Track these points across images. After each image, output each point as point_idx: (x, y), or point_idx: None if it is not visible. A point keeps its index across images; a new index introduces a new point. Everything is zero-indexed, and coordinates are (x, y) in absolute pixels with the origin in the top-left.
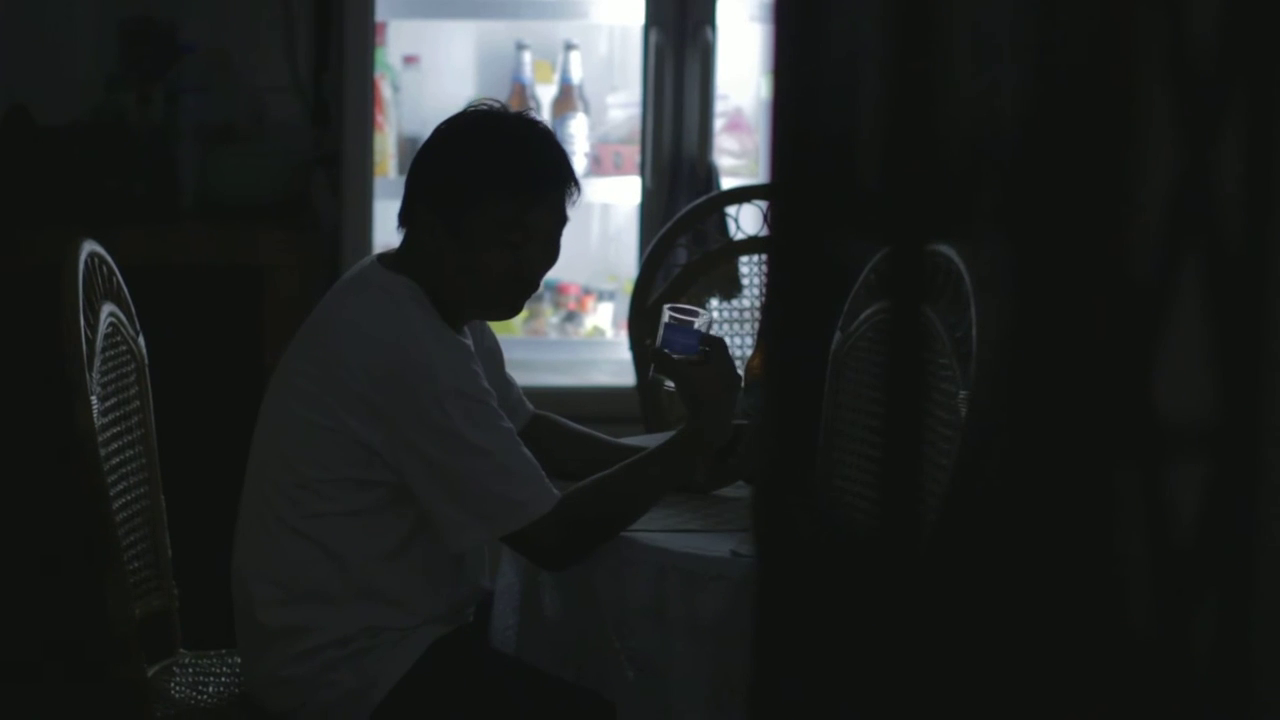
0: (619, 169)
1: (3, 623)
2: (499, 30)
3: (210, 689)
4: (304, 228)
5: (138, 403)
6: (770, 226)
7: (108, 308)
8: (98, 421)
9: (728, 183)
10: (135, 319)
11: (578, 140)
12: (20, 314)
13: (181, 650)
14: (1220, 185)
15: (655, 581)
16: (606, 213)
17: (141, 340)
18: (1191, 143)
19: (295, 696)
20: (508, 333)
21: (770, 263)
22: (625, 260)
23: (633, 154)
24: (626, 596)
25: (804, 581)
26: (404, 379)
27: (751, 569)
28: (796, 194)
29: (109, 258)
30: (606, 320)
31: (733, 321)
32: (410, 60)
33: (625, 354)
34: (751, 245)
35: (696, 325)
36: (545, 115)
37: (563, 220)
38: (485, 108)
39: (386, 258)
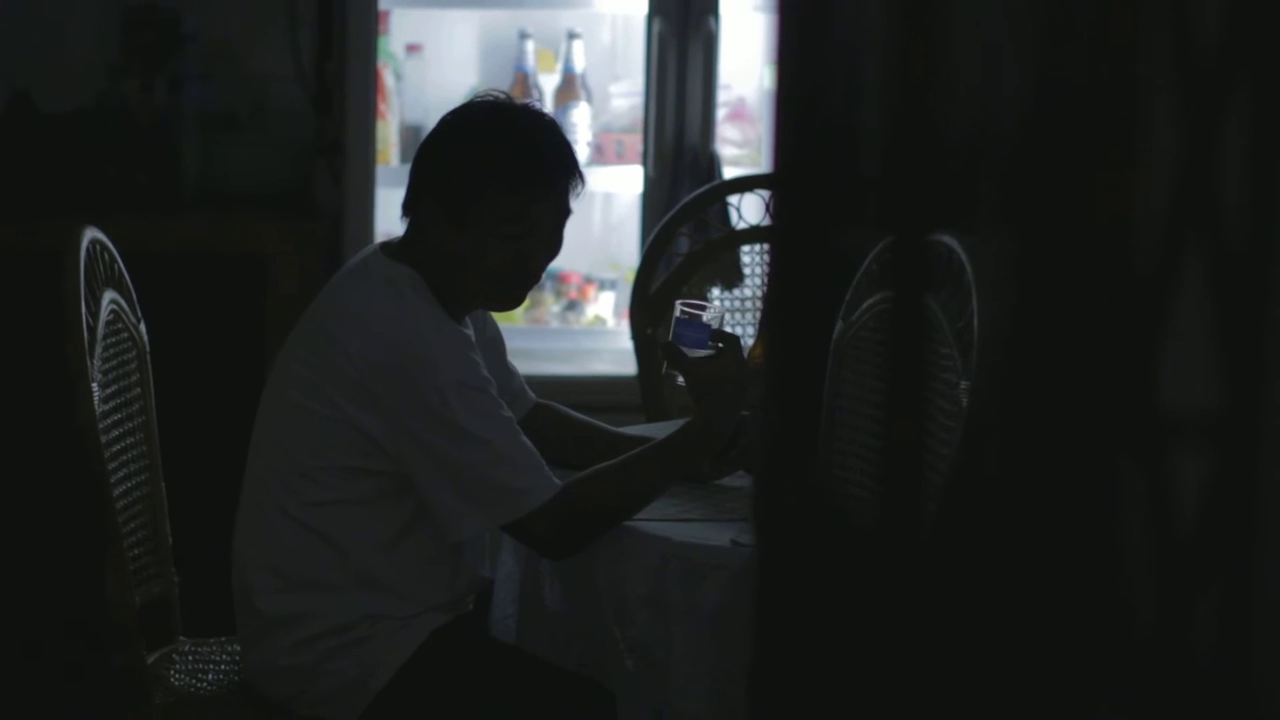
0: (621, 158)
1: (3, 609)
2: (502, 19)
3: (210, 676)
4: (306, 216)
5: (139, 390)
6: (772, 216)
7: (109, 295)
8: (99, 408)
9: (730, 172)
10: (137, 306)
11: (580, 129)
12: (22, 300)
13: (181, 638)
14: (1223, 177)
15: (655, 571)
16: (608, 202)
17: (143, 327)
18: (1194, 134)
19: (295, 685)
20: (509, 321)
21: (772, 252)
22: (627, 249)
23: (635, 143)
24: (626, 585)
25: (804, 571)
26: (404, 368)
27: (752, 558)
28: (799, 183)
29: (111, 245)
30: (608, 309)
31: (735, 311)
32: (413, 49)
33: (626, 343)
34: (753, 235)
35: (706, 318)
36: (548, 104)
37: (566, 212)
38: (491, 99)
39: (389, 247)
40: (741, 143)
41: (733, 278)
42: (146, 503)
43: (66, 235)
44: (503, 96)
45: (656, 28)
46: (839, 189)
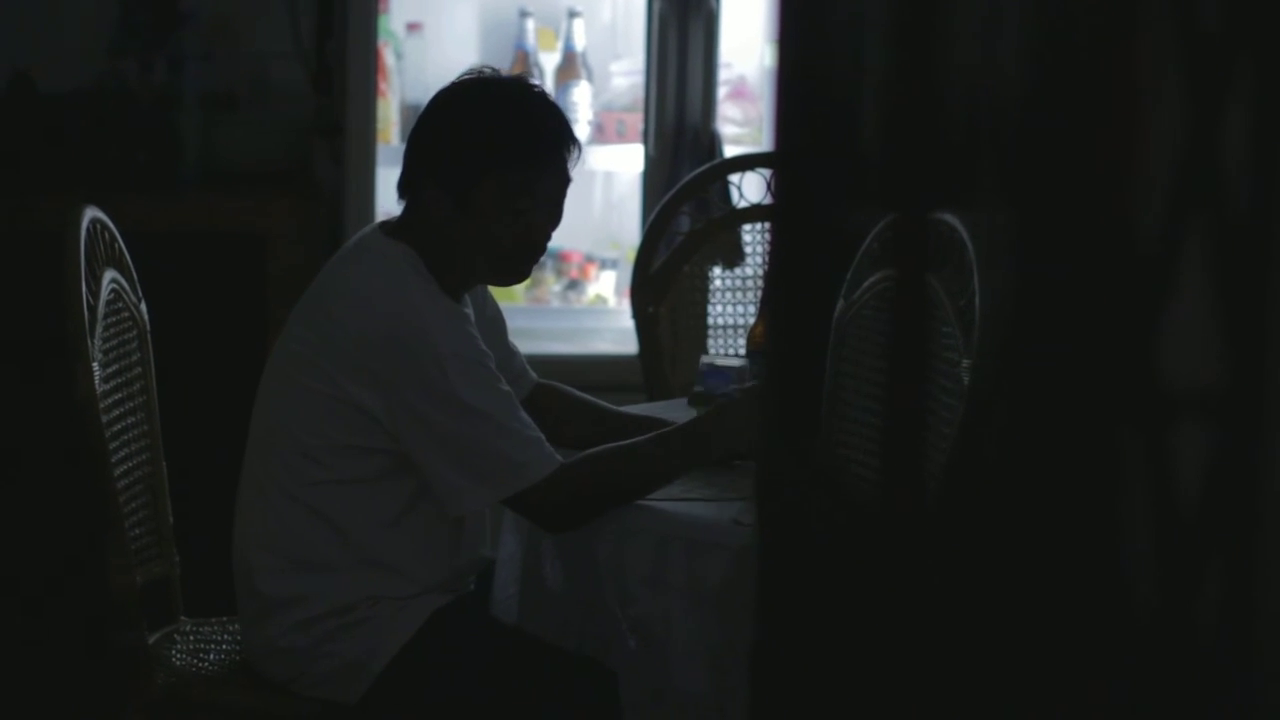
0: (622, 137)
1: (5, 590)
2: None
3: (211, 657)
4: (306, 195)
5: (139, 369)
6: (774, 194)
7: (110, 274)
8: (99, 388)
9: (731, 151)
10: (137, 285)
11: (581, 108)
12: (23, 280)
13: (183, 618)
14: (1225, 152)
15: (657, 550)
16: (609, 180)
17: (143, 307)
18: (1197, 109)
19: (295, 665)
20: (510, 300)
21: (773, 231)
22: (628, 228)
23: (636, 122)
24: (628, 565)
25: (806, 550)
26: (402, 343)
27: (753, 538)
28: (800, 162)
29: (111, 224)
30: (609, 288)
31: (735, 290)
32: (413, 27)
33: (627, 322)
34: (755, 213)
35: (725, 369)
36: (548, 83)
37: (566, 181)
38: (478, 75)
39: (387, 226)
40: (742, 121)
41: (734, 256)
42: (147, 483)
43: (67, 215)
44: (489, 72)
45: (657, 6)
46: (840, 167)
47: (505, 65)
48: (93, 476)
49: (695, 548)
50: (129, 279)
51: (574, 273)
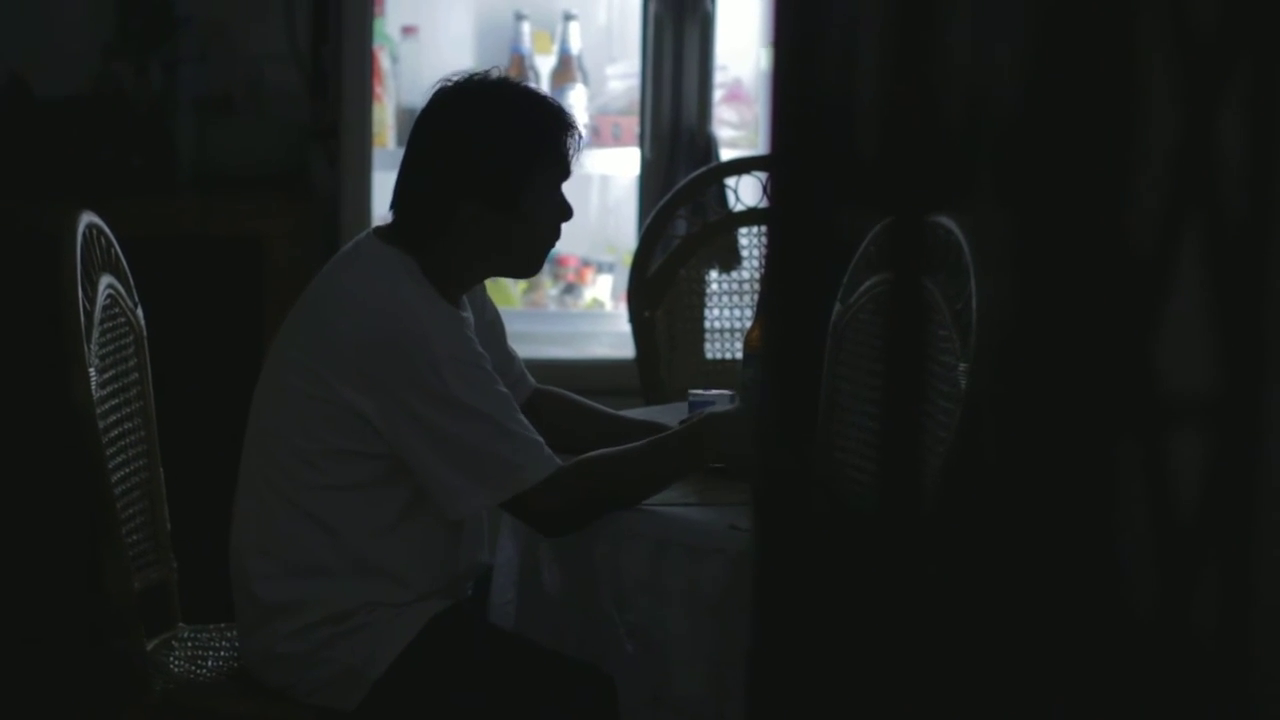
0: (618, 140)
1: (3, 596)
2: (498, 1)
3: (209, 663)
4: (302, 198)
5: (136, 375)
6: (770, 198)
7: (106, 279)
8: (96, 394)
9: (727, 154)
10: (134, 290)
11: (577, 111)
12: (18, 286)
13: (180, 624)
14: (1221, 155)
15: (654, 555)
16: (605, 184)
17: (140, 312)
18: (1193, 112)
19: (293, 671)
20: (507, 304)
21: (770, 234)
22: (624, 232)
23: (632, 125)
24: (625, 570)
25: (803, 554)
26: (399, 347)
27: (751, 543)
28: (796, 165)
29: (107, 229)
30: (606, 292)
31: (732, 293)
32: (409, 31)
33: (624, 326)
34: (751, 216)
35: (714, 399)
36: (544, 86)
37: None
38: (466, 81)
39: (382, 231)
40: (738, 124)
41: (730, 260)
42: (144, 488)
43: (63, 220)
44: (466, 78)
45: (653, 9)
46: (836, 170)
47: (501, 68)
48: (90, 482)
49: (693, 553)
50: (125, 284)
51: (571, 276)
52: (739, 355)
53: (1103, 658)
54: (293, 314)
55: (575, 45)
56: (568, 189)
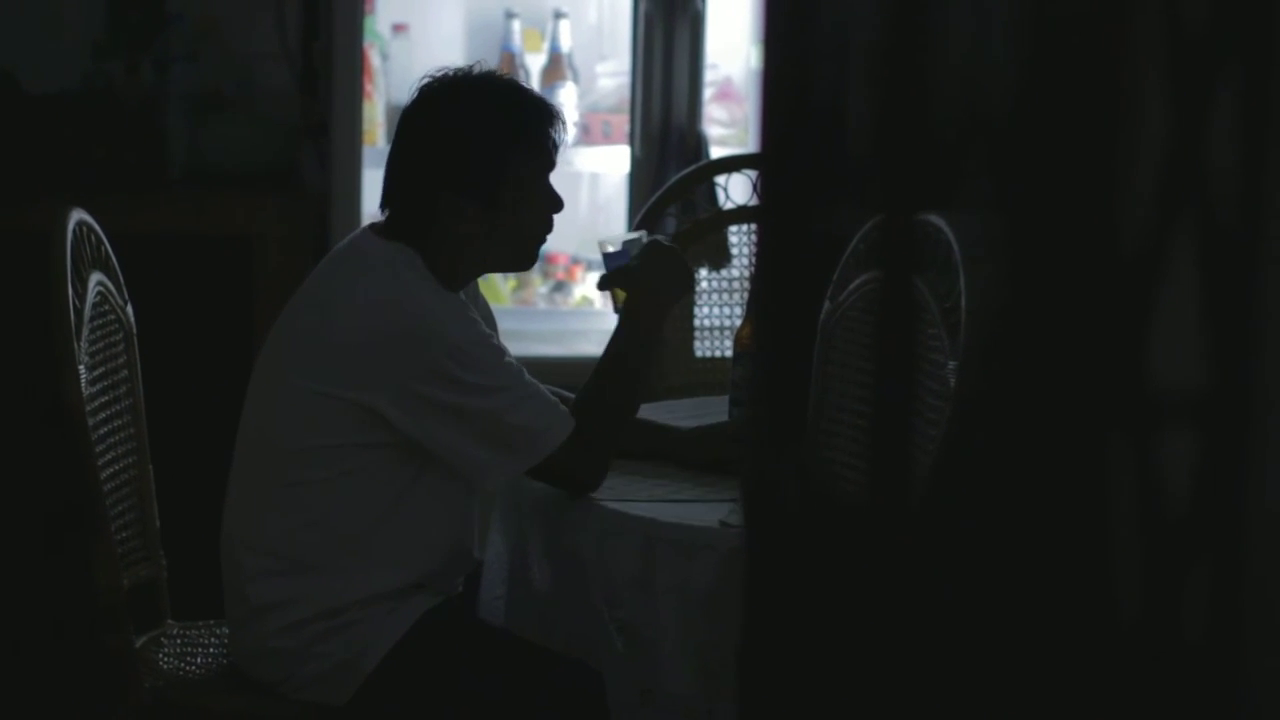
0: (608, 138)
1: None
2: None
3: (198, 660)
4: (292, 196)
5: (126, 372)
6: (760, 196)
7: (96, 277)
8: (86, 391)
9: (717, 152)
10: (124, 288)
11: (567, 109)
12: (8, 283)
13: (170, 621)
14: (1212, 155)
15: (643, 552)
16: (595, 182)
17: (130, 309)
18: (1184, 113)
19: (284, 668)
20: (496, 302)
21: (759, 232)
22: (614, 229)
23: (622, 123)
24: (615, 567)
25: (793, 551)
26: (412, 338)
27: (741, 539)
28: (786, 163)
29: (97, 227)
30: (595, 290)
31: (722, 291)
32: (399, 29)
33: (614, 323)
34: (741, 215)
35: (616, 249)
36: (535, 84)
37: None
38: (452, 76)
39: (378, 227)
40: (728, 122)
41: (720, 258)
42: (134, 485)
43: (52, 217)
44: (455, 72)
45: (643, 7)
46: (826, 168)
47: (485, 63)
48: (79, 479)
49: (682, 549)
50: (115, 282)
51: (560, 274)
52: (729, 353)
53: (1092, 656)
54: (289, 312)
55: (565, 43)
56: (559, 185)
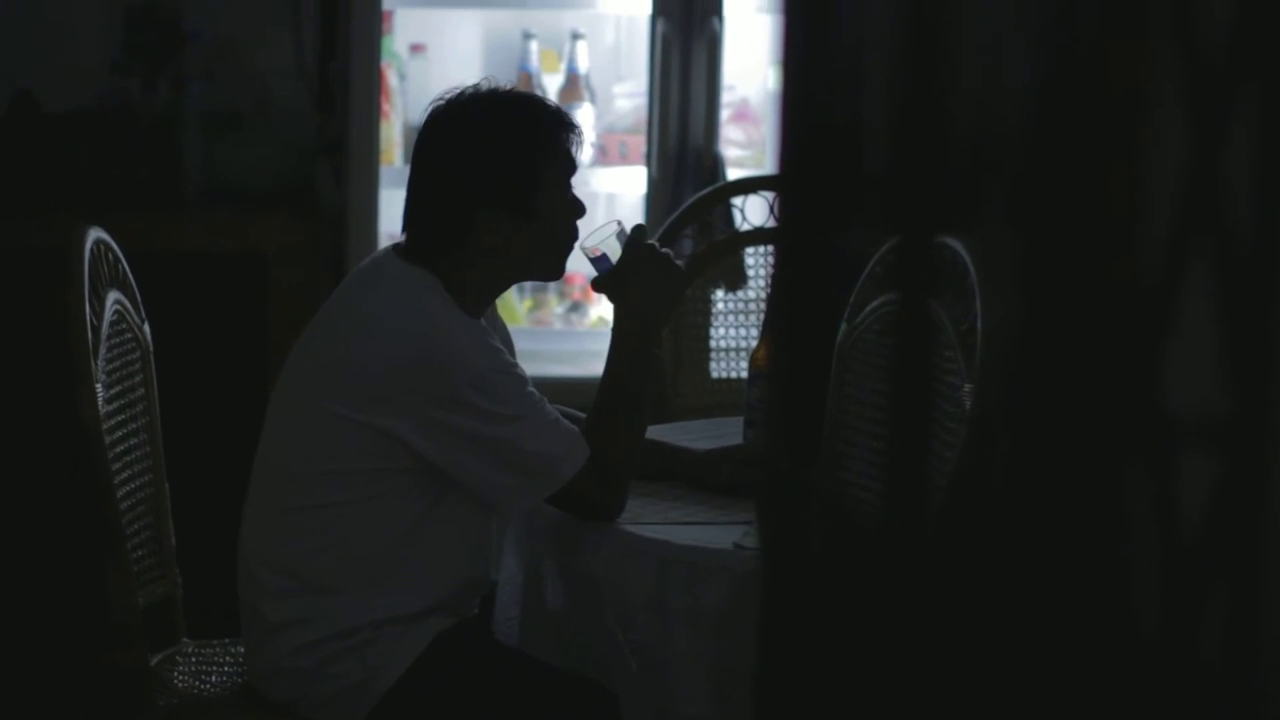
0: (625, 159)
1: (6, 610)
2: (505, 19)
3: (213, 678)
4: (309, 215)
5: (142, 390)
6: (777, 217)
7: (113, 295)
8: (103, 409)
9: (734, 173)
10: (140, 306)
11: (584, 130)
12: (26, 300)
13: (185, 639)
14: (1230, 180)
15: (658, 573)
16: (612, 202)
17: (147, 327)
18: (1201, 137)
19: (298, 687)
20: (513, 322)
21: (776, 254)
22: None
23: (639, 144)
24: (629, 588)
25: (809, 574)
26: (433, 366)
27: (755, 562)
28: (803, 185)
29: (114, 245)
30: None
31: (738, 312)
32: (417, 49)
33: None
34: (757, 236)
35: (595, 242)
36: None
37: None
38: (464, 94)
39: (401, 249)
40: (745, 144)
41: (736, 280)
42: (150, 503)
43: (70, 235)
44: (465, 89)
45: (660, 28)
46: (843, 190)
47: (491, 80)
48: (96, 497)
49: (697, 571)
50: (132, 300)
51: (577, 294)
52: (745, 374)
53: (1109, 679)
54: (311, 332)
55: (583, 64)
56: None
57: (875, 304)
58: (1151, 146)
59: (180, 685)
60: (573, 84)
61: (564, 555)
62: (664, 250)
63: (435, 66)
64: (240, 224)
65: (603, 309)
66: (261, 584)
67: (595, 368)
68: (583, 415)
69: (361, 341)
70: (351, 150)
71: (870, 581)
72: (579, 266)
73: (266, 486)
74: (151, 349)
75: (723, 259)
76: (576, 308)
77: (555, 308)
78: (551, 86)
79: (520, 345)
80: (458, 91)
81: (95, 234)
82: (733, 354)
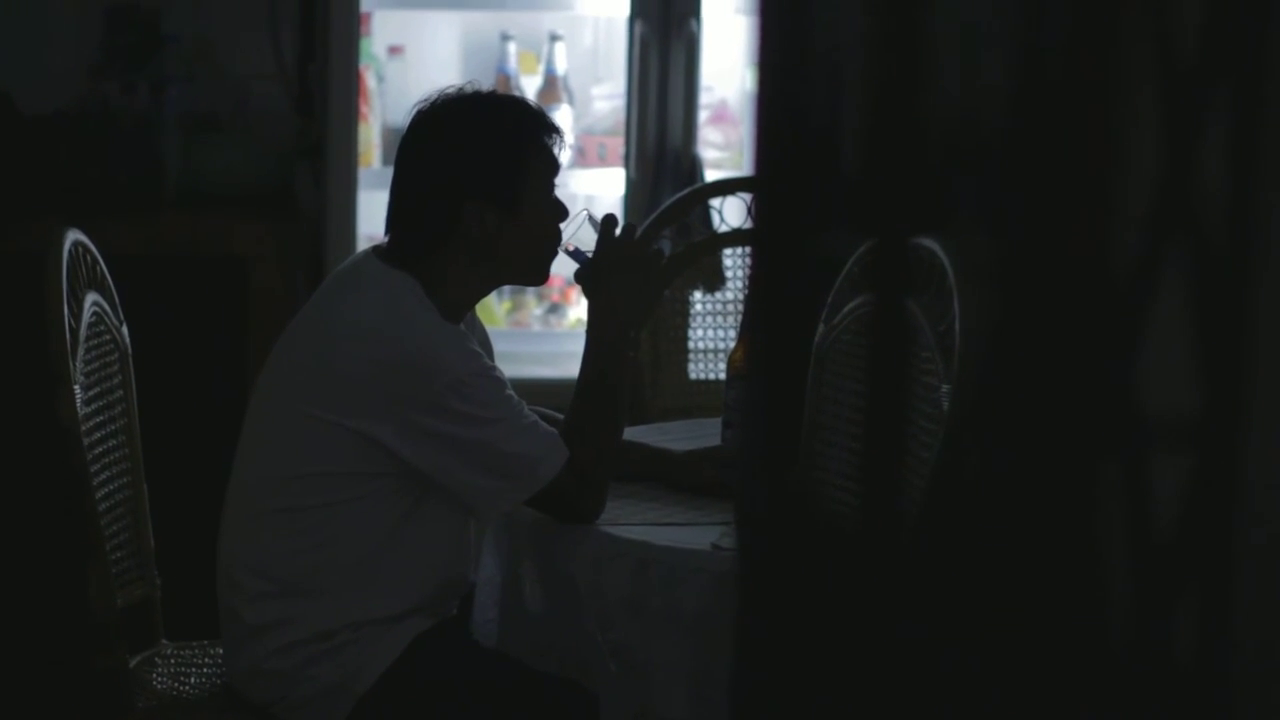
0: (603, 160)
1: None
2: (484, 21)
3: (192, 680)
4: (288, 218)
5: (121, 392)
6: (754, 219)
7: (91, 297)
8: (81, 411)
9: (712, 175)
10: (119, 308)
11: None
12: (3, 303)
13: (164, 641)
14: (1203, 180)
15: (636, 574)
16: (590, 204)
17: (125, 330)
18: (1175, 137)
19: (278, 689)
20: (491, 324)
21: (754, 255)
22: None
23: (617, 145)
24: (608, 589)
25: (786, 575)
26: (412, 370)
27: (733, 562)
28: (781, 186)
29: (93, 247)
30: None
31: (716, 314)
32: (395, 51)
33: None
34: (735, 238)
35: (571, 232)
36: None
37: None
38: (449, 95)
39: (381, 251)
40: (723, 145)
41: (714, 281)
42: (128, 505)
43: (48, 237)
44: (441, 94)
45: (638, 30)
46: (821, 192)
47: (474, 83)
48: (74, 499)
49: (675, 572)
50: (110, 302)
51: (555, 296)
52: (723, 376)
53: (1084, 679)
54: (291, 333)
55: (561, 66)
56: None
57: (852, 305)
58: (1126, 148)
59: (159, 687)
60: (551, 85)
61: (543, 556)
62: (639, 237)
63: (414, 68)
64: (219, 226)
65: (581, 310)
66: (240, 586)
67: (574, 369)
68: (561, 417)
69: (341, 344)
70: (330, 152)
71: (846, 582)
72: (556, 268)
73: (245, 489)
74: (130, 351)
75: (701, 260)
76: (555, 309)
77: (534, 309)
78: (530, 88)
79: (499, 347)
80: (441, 93)
81: (74, 236)
82: (711, 355)
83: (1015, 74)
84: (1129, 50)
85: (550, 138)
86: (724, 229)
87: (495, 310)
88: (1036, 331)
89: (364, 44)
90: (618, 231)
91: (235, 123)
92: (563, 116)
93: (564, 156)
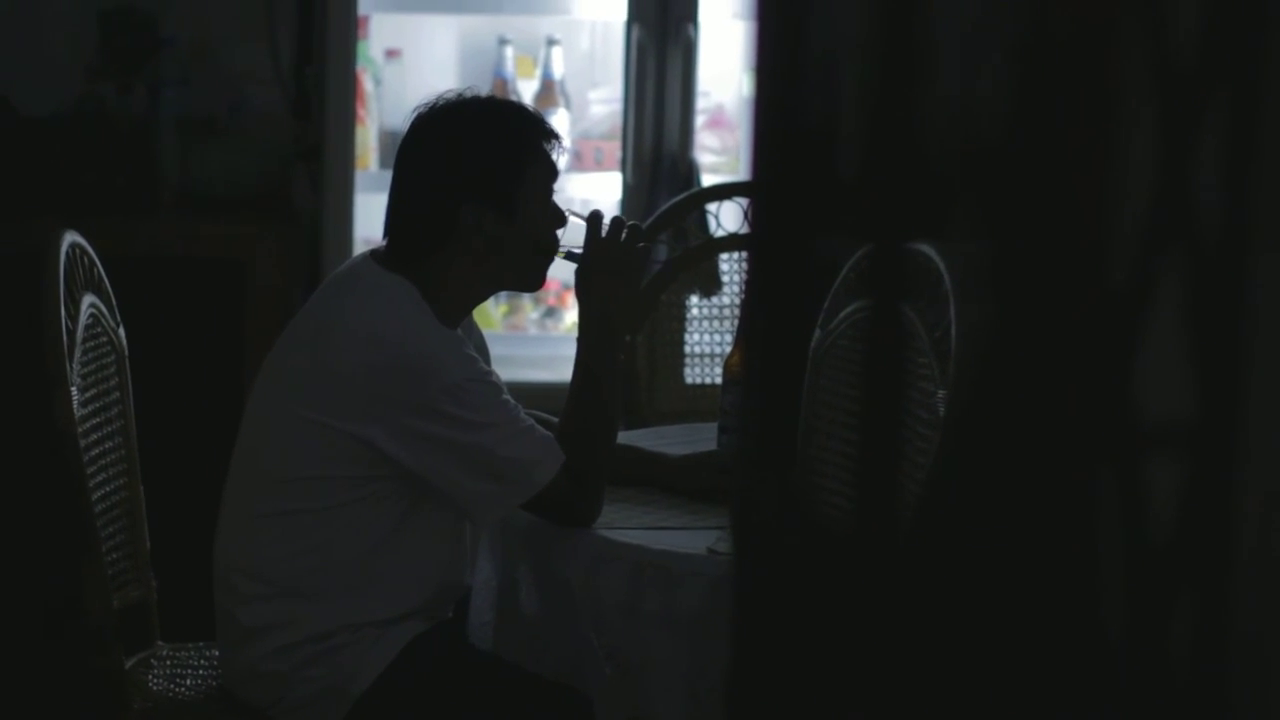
0: (600, 165)
1: None
2: (481, 25)
3: (188, 681)
4: (284, 220)
5: (117, 394)
6: (751, 223)
7: (88, 299)
8: (77, 413)
9: (708, 179)
10: (116, 310)
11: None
12: (0, 304)
13: (159, 642)
14: (1200, 186)
15: (632, 578)
16: (587, 209)
17: (122, 331)
18: (1172, 143)
19: (274, 691)
20: (488, 327)
21: (750, 260)
22: None
23: (614, 150)
24: (603, 592)
25: (782, 579)
26: (408, 374)
27: (729, 566)
28: (777, 191)
29: (90, 249)
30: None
31: (712, 318)
32: (392, 54)
33: None
34: (732, 242)
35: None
36: None
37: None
38: (448, 99)
39: (379, 255)
40: (720, 150)
41: (711, 285)
42: (125, 507)
43: (46, 239)
44: (450, 94)
45: (635, 34)
46: (817, 197)
47: (474, 88)
48: (70, 501)
49: (671, 576)
50: (107, 304)
51: (551, 300)
52: (719, 380)
53: (1080, 684)
54: (289, 337)
55: (558, 70)
56: None
57: (849, 310)
58: (1123, 153)
59: (155, 689)
60: (548, 90)
61: (538, 560)
62: (626, 229)
63: (411, 72)
64: (216, 229)
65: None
66: (236, 588)
67: (569, 373)
68: (556, 420)
69: (336, 347)
70: (327, 155)
71: (842, 587)
72: (554, 271)
73: (241, 491)
74: (126, 353)
75: (697, 265)
76: (551, 313)
77: (530, 313)
78: (527, 92)
79: (495, 351)
80: (441, 98)
81: (71, 238)
82: (707, 360)
83: (1012, 79)
84: (1126, 55)
85: (549, 143)
86: (720, 234)
87: (491, 314)
88: (1032, 336)
89: (361, 47)
90: (604, 228)
91: (232, 125)
92: (559, 121)
93: (562, 162)
